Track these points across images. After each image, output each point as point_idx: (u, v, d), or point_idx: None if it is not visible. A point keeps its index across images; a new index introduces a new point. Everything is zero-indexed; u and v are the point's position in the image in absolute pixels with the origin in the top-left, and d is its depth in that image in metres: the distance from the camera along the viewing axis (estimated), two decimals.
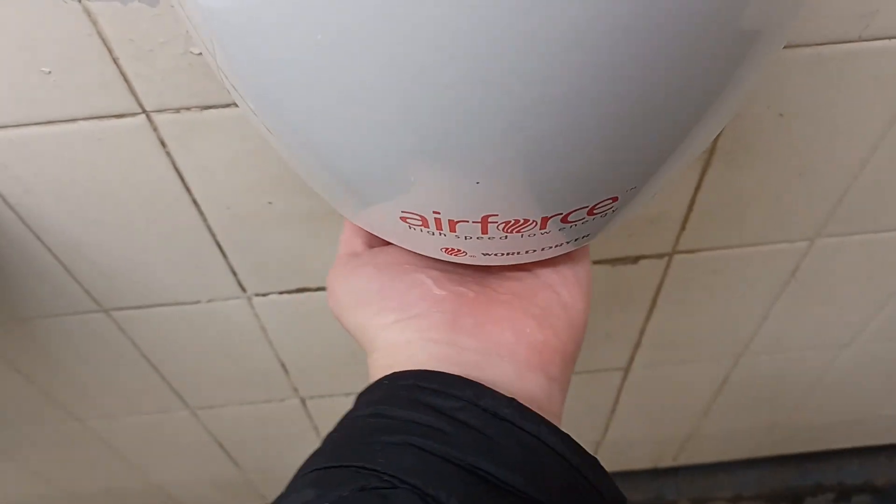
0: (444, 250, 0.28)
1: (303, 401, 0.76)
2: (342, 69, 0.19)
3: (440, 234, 0.26)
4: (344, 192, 0.26)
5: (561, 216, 0.24)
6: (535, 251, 0.27)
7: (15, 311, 0.58)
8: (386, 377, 0.28)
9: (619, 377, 0.78)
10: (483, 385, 0.26)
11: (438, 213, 0.24)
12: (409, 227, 0.26)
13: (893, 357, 0.81)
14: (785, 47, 0.42)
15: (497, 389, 0.26)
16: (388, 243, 0.34)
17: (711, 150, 0.48)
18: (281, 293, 0.58)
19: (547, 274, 0.31)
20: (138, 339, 0.63)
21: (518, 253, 0.27)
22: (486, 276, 0.32)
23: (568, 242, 0.28)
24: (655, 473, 1.08)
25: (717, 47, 0.20)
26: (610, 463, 1.02)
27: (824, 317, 0.71)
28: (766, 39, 0.21)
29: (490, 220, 0.24)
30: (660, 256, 0.59)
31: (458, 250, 0.27)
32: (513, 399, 0.26)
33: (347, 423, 0.27)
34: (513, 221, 0.24)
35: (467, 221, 0.24)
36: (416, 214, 0.24)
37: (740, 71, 0.21)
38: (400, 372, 0.27)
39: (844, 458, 1.08)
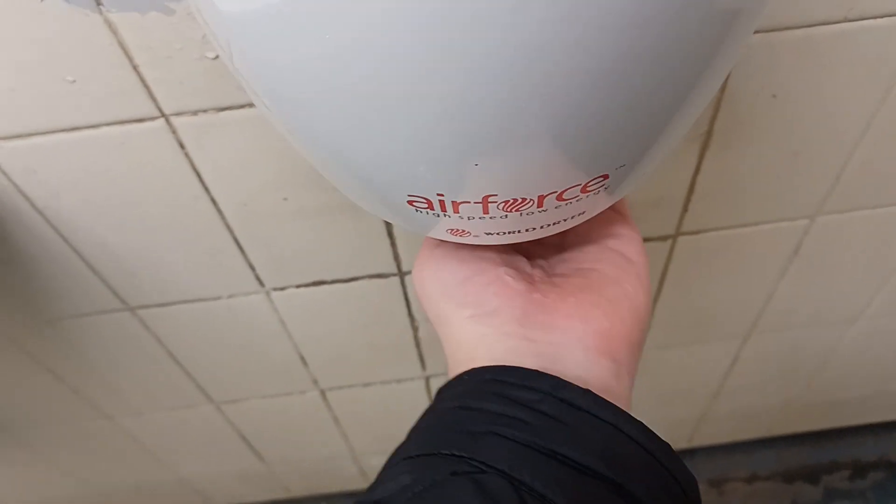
0: (449, 231, 0.30)
1: (322, 393, 0.78)
2: (348, 62, 0.21)
3: (445, 215, 0.28)
4: (354, 180, 0.28)
5: (556, 194, 0.26)
6: (534, 229, 0.29)
7: (45, 312, 0.61)
8: (466, 372, 0.30)
9: None
10: (559, 378, 0.28)
11: (442, 195, 0.26)
12: (416, 210, 0.28)
13: None
14: (775, 30, 0.44)
15: (570, 378, 0.28)
16: None
17: (709, 133, 0.50)
18: (298, 287, 0.61)
19: (610, 270, 0.33)
20: (163, 336, 0.65)
21: (519, 231, 0.29)
22: (552, 276, 0.34)
23: (565, 220, 0.29)
24: None
25: (697, 28, 0.21)
26: None
27: (830, 293, 0.72)
28: (742, 21, 0.23)
29: (490, 199, 0.26)
30: (664, 239, 0.60)
31: (463, 231, 0.29)
32: (588, 390, 0.27)
33: (433, 416, 0.29)
34: (511, 201, 0.26)
35: (469, 202, 0.26)
36: (422, 198, 0.26)
37: (719, 51, 0.23)
38: (479, 368, 0.29)
39: (859, 434, 1.09)
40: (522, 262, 0.34)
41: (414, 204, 0.27)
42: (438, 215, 0.28)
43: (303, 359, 0.71)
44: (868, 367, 0.90)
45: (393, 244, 0.56)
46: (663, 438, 0.28)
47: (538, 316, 0.30)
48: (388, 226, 0.55)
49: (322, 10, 0.19)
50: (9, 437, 0.81)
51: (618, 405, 0.28)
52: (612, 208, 0.36)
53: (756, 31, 0.43)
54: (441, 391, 0.31)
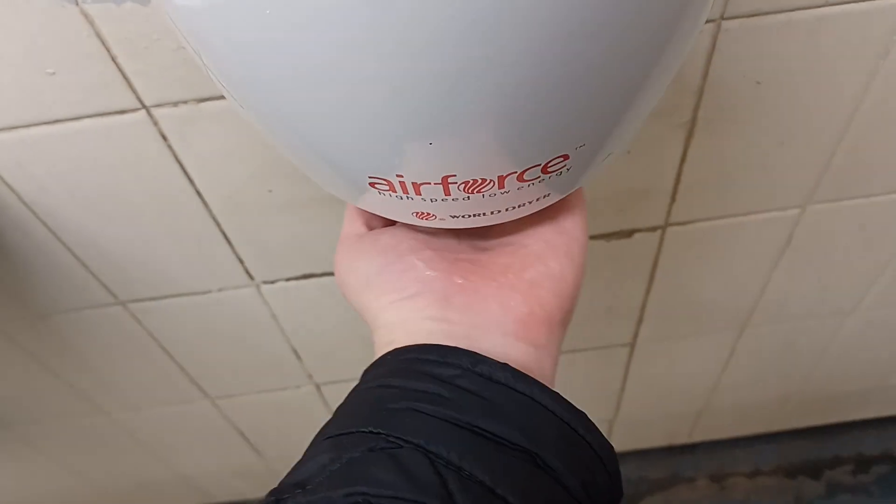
0: (415, 214, 0.30)
1: (318, 387, 0.78)
2: (301, 43, 0.21)
3: (407, 197, 0.28)
4: (318, 164, 0.28)
5: (516, 174, 0.26)
6: (499, 212, 0.29)
7: (36, 307, 0.61)
8: (388, 353, 0.30)
9: (626, 353, 0.80)
10: (478, 353, 0.28)
11: (402, 176, 0.26)
12: (379, 193, 0.28)
13: None
14: (757, 15, 0.43)
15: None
16: (388, 224, 0.36)
17: (693, 121, 0.50)
18: (288, 280, 0.61)
19: (538, 247, 0.33)
20: (155, 330, 0.65)
21: (483, 214, 0.29)
22: (478, 254, 0.34)
23: (530, 203, 0.29)
24: (672, 451, 1.09)
25: (651, 7, 0.21)
26: (625, 441, 1.03)
27: (825, 284, 0.72)
28: (694, 9, 0.23)
29: (450, 180, 0.26)
30: (653, 229, 0.60)
31: (428, 213, 0.29)
32: (506, 364, 0.28)
33: (355, 396, 0.30)
34: (471, 182, 0.26)
35: (429, 183, 0.26)
36: (383, 179, 0.27)
37: (675, 33, 0.23)
38: (401, 347, 0.30)
39: (861, 428, 1.08)
40: (449, 239, 0.34)
41: (376, 186, 0.27)
42: (401, 198, 0.28)
43: (296, 352, 0.71)
44: (867, 359, 0.90)
45: None
46: (581, 409, 0.28)
47: (458, 299, 0.31)
48: None
49: None
50: (6, 433, 0.82)
51: None
52: None
53: (737, 17, 0.43)
54: (365, 373, 0.31)
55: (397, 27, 0.19)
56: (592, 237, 0.60)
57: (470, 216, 0.29)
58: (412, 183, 0.26)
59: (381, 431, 0.26)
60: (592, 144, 0.26)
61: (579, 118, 0.24)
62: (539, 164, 0.26)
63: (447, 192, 0.27)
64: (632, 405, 0.92)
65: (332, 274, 0.61)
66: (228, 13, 0.21)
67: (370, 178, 0.27)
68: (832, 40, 0.45)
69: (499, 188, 0.27)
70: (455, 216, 0.29)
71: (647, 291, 0.69)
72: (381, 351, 0.31)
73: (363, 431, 0.26)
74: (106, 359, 0.69)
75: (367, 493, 0.23)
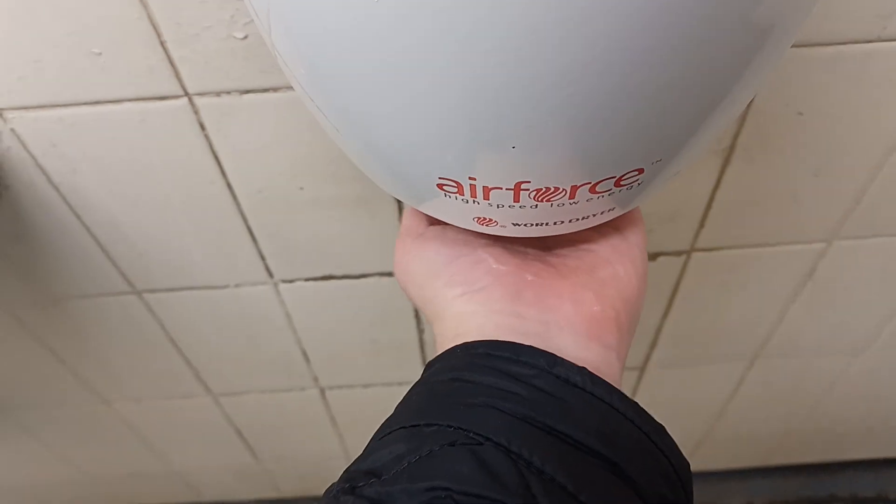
0: (476, 220, 0.29)
1: (322, 391, 0.78)
2: (389, 38, 0.20)
3: (474, 201, 0.27)
4: (384, 161, 0.27)
5: (589, 186, 0.26)
6: (563, 223, 0.29)
7: (51, 292, 0.60)
8: (458, 346, 0.29)
9: (635, 376, 0.79)
10: (554, 354, 0.27)
11: (474, 179, 0.25)
12: (446, 195, 0.27)
13: None
14: (805, 46, 0.43)
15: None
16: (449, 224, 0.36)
17: (731, 147, 0.50)
18: (307, 280, 0.60)
19: (605, 251, 0.33)
20: (167, 322, 0.64)
21: (547, 224, 0.29)
22: (545, 254, 0.33)
23: (594, 216, 0.29)
24: None
25: (736, 37, 0.21)
26: None
27: (840, 321, 0.72)
28: (779, 33, 0.23)
29: (523, 186, 0.25)
30: (678, 254, 0.60)
31: (490, 219, 0.29)
32: (584, 368, 0.27)
33: (426, 387, 0.29)
34: (544, 189, 0.26)
35: (501, 188, 0.26)
36: (453, 181, 0.26)
37: (757, 60, 0.23)
38: (472, 342, 0.29)
39: (858, 469, 1.08)
40: (515, 239, 0.34)
41: (444, 188, 0.27)
42: (467, 201, 0.27)
43: (305, 354, 0.71)
44: (872, 400, 0.89)
45: None
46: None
47: (529, 294, 0.30)
48: None
49: None
50: (4, 418, 0.81)
51: None
52: None
53: None
54: (431, 364, 0.30)
55: (500, 32, 0.19)
56: None
57: (532, 225, 0.29)
58: (483, 186, 0.26)
59: (461, 427, 0.25)
60: (667, 160, 0.26)
61: (662, 132, 0.24)
62: (614, 177, 0.26)
63: (517, 199, 0.26)
64: None
65: (352, 277, 0.60)
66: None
67: (440, 178, 0.26)
68: (879, 76, 0.45)
69: (569, 198, 0.26)
70: (517, 224, 0.29)
71: (665, 316, 0.68)
72: (445, 343, 0.30)
73: (441, 425, 0.25)
74: (113, 348, 0.68)
75: (451, 489, 0.23)
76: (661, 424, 0.27)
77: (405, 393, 0.30)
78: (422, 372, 0.31)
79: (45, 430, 0.83)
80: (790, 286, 0.65)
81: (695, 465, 0.98)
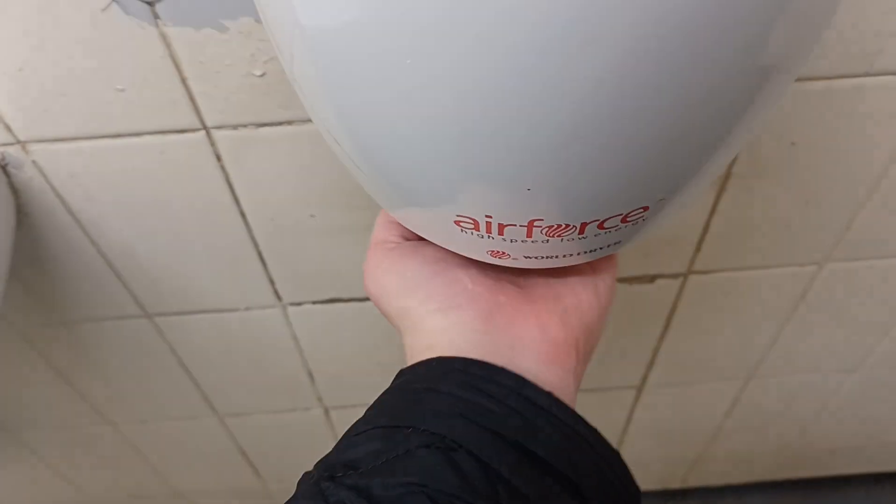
0: (489, 253, 0.31)
1: (326, 411, 0.79)
2: (416, 87, 0.22)
3: (489, 237, 0.29)
4: (403, 197, 0.29)
5: (598, 223, 0.28)
6: (571, 255, 0.31)
7: (63, 314, 0.62)
8: (433, 359, 0.31)
9: (633, 395, 0.81)
10: (524, 377, 0.29)
11: (490, 216, 0.27)
12: (462, 231, 0.29)
13: None
14: (798, 80, 0.45)
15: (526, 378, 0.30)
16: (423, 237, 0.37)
17: (727, 176, 0.52)
18: (314, 303, 0.62)
19: (573, 282, 0.35)
20: (176, 344, 0.66)
21: (556, 257, 0.31)
22: (517, 278, 0.35)
23: (601, 248, 0.31)
24: (664, 495, 1.10)
25: (740, 80, 0.23)
26: None
27: (833, 341, 0.73)
28: (780, 75, 0.24)
29: (535, 224, 0.27)
30: (675, 276, 0.62)
31: (503, 253, 0.30)
32: (550, 392, 0.29)
33: (401, 393, 0.31)
34: (555, 226, 0.27)
35: (515, 225, 0.28)
36: (470, 218, 0.28)
37: (758, 102, 0.25)
38: (448, 357, 0.31)
39: (851, 484, 1.10)
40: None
41: (461, 224, 0.29)
42: (482, 236, 0.29)
43: (311, 375, 0.72)
44: (865, 417, 0.91)
45: None
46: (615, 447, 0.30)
47: (500, 317, 0.32)
48: None
49: (397, 35, 0.21)
50: (10, 437, 0.82)
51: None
52: None
53: None
54: (403, 373, 0.32)
55: (522, 89, 0.21)
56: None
57: (543, 258, 0.31)
58: (498, 223, 0.28)
59: (437, 432, 0.27)
60: (671, 197, 0.28)
61: (666, 173, 0.26)
62: (621, 214, 0.27)
63: (529, 235, 0.28)
64: (631, 447, 0.93)
65: (358, 300, 0.62)
66: (368, 43, 0.21)
67: (458, 215, 0.28)
68: (868, 109, 0.47)
69: (578, 234, 0.28)
70: (529, 257, 0.30)
71: (662, 337, 0.70)
72: (415, 354, 0.32)
73: (417, 428, 0.27)
74: (121, 370, 0.69)
75: (426, 486, 0.25)
76: (617, 451, 0.30)
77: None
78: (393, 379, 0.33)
79: (49, 450, 0.84)
80: (784, 307, 0.67)
81: (691, 482, 1.00)
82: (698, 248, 0.59)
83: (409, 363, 0.33)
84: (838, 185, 0.53)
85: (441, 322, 0.32)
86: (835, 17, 0.42)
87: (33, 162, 0.47)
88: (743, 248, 0.60)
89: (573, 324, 0.33)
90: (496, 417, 0.28)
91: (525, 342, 0.32)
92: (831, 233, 0.58)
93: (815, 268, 0.62)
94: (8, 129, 0.44)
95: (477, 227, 0.28)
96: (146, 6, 0.38)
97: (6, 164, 0.47)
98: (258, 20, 0.39)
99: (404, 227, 0.38)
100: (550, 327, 0.32)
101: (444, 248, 0.35)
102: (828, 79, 0.45)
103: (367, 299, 0.62)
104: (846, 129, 0.49)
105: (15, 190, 0.49)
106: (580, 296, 0.34)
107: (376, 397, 0.32)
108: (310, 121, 0.45)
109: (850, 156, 0.51)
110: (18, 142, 0.45)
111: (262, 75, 0.42)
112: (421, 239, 0.37)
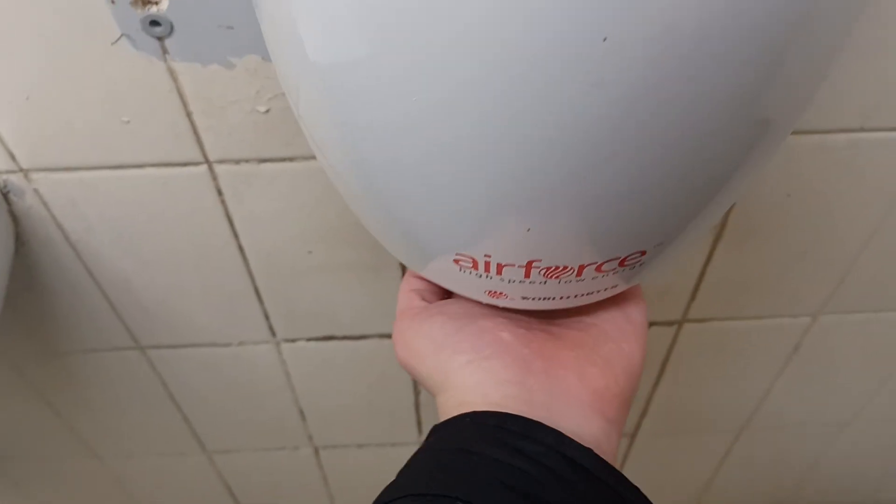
0: (487, 293, 0.31)
1: (316, 450, 0.78)
2: (421, 129, 0.22)
3: (487, 276, 0.29)
4: (404, 236, 0.29)
5: (596, 265, 0.28)
6: (567, 298, 0.31)
7: (55, 345, 0.61)
8: (467, 414, 0.30)
9: (625, 445, 0.80)
10: (562, 433, 0.28)
11: (489, 256, 0.27)
12: (460, 269, 0.29)
13: (891, 439, 0.83)
14: (794, 133, 0.46)
15: (564, 431, 0.28)
16: (443, 298, 0.37)
17: (722, 226, 0.52)
18: (309, 340, 0.61)
19: (610, 328, 0.34)
20: (168, 378, 0.65)
21: (554, 298, 0.31)
22: (550, 326, 0.34)
23: (598, 292, 0.31)
24: None
25: (736, 132, 0.23)
26: None
27: (825, 394, 0.73)
28: (776, 130, 0.25)
29: (534, 265, 0.27)
30: (670, 324, 0.62)
31: (501, 293, 0.31)
32: (590, 450, 0.28)
33: (433, 455, 0.29)
34: (553, 268, 0.28)
35: (513, 265, 0.28)
36: (469, 257, 0.28)
37: (753, 153, 0.25)
38: (481, 412, 0.29)
39: None
40: (520, 312, 0.35)
41: (459, 262, 0.29)
42: (481, 276, 0.29)
43: (302, 413, 0.71)
44: (858, 473, 0.90)
45: None
46: None
47: (536, 364, 0.31)
48: None
49: (404, 75, 0.21)
50: None
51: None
52: None
53: None
54: (437, 429, 0.31)
55: (526, 137, 0.21)
56: None
57: (540, 299, 0.31)
58: (497, 263, 0.28)
59: (469, 501, 0.26)
60: (668, 242, 0.28)
61: (664, 219, 0.26)
62: (619, 258, 0.28)
63: (527, 275, 0.28)
64: None
65: (353, 338, 0.61)
66: (372, 78, 0.22)
67: (458, 254, 0.28)
68: (862, 163, 0.48)
69: (576, 276, 0.28)
70: (526, 297, 0.31)
71: (655, 385, 0.70)
72: (449, 411, 0.31)
73: (450, 497, 0.26)
74: (111, 402, 0.69)
75: None
76: None
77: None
78: (425, 437, 0.32)
79: (33, 483, 0.83)
80: (778, 359, 0.67)
81: None
82: (693, 297, 0.59)
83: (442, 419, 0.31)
84: (834, 237, 0.54)
85: (473, 375, 0.31)
86: (830, 73, 0.43)
87: (35, 190, 0.47)
88: (737, 298, 0.60)
89: (615, 371, 0.32)
90: (534, 482, 0.26)
91: (564, 391, 0.30)
92: (826, 285, 0.59)
93: (808, 319, 0.62)
94: (11, 156, 0.45)
95: (476, 266, 0.29)
96: (155, 41, 0.39)
97: (7, 192, 0.47)
98: (265, 58, 0.40)
99: (426, 293, 0.38)
100: (590, 375, 0.31)
101: (469, 304, 0.34)
102: (823, 133, 0.46)
103: (361, 337, 0.61)
104: (841, 182, 0.49)
105: (15, 217, 0.49)
106: (621, 343, 0.33)
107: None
108: (311, 158, 0.45)
109: (846, 209, 0.51)
110: (21, 170, 0.46)
111: (266, 112, 0.42)
112: (443, 299, 0.37)
